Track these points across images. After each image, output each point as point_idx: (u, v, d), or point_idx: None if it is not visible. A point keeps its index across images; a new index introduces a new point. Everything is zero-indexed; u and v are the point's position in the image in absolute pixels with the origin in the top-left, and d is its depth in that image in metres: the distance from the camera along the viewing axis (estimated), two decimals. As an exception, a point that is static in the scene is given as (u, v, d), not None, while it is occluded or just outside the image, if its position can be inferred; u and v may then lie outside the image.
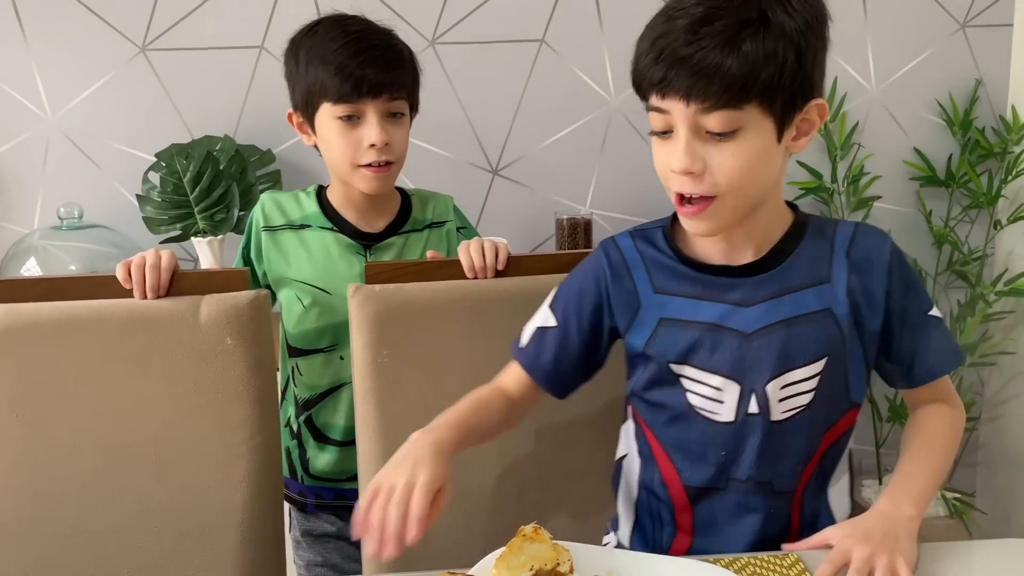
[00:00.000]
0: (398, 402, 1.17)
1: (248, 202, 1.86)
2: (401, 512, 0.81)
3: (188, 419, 1.13)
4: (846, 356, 0.94)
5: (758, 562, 0.90)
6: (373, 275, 1.20)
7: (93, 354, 1.12)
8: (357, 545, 1.23)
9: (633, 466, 1.03)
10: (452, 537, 1.14)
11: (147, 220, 1.88)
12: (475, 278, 1.20)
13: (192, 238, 1.87)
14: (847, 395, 0.96)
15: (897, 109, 2.12)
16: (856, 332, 0.93)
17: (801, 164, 2.08)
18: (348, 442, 1.32)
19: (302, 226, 1.32)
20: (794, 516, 0.98)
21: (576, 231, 1.99)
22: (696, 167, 0.84)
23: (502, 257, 1.21)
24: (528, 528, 0.87)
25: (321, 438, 1.36)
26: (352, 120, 1.24)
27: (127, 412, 1.13)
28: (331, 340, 1.31)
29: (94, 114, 1.97)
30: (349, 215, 1.32)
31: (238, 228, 1.86)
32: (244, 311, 1.13)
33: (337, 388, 1.33)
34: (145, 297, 1.13)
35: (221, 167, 1.86)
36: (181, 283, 1.15)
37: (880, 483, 2.15)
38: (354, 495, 1.09)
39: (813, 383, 0.92)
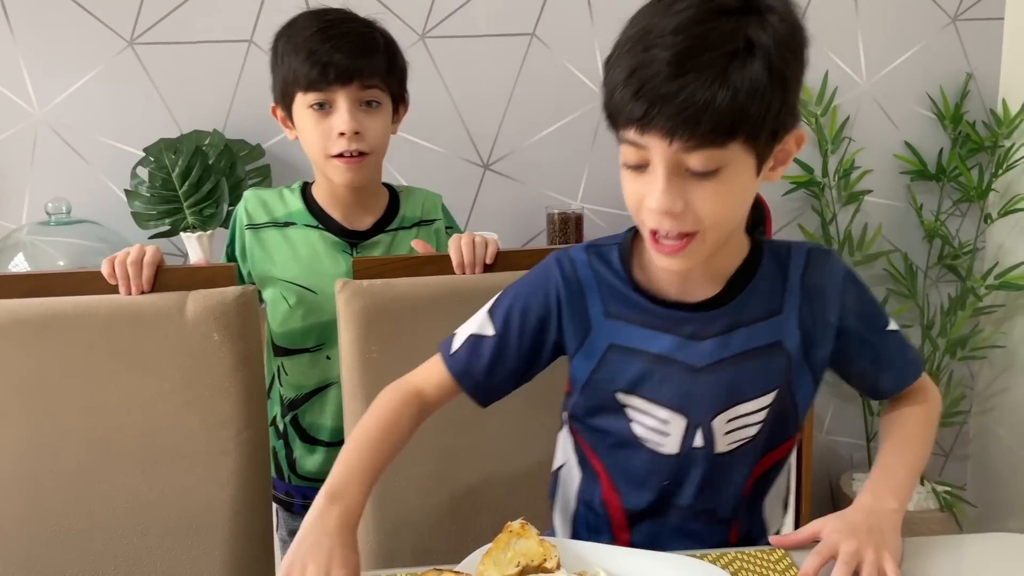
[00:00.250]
0: (386, 398, 1.16)
1: (238, 197, 1.84)
2: None
3: (175, 415, 1.13)
4: (795, 386, 0.92)
5: (745, 557, 0.89)
6: (361, 270, 1.19)
7: (79, 350, 1.11)
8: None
9: (571, 478, 1.00)
10: (439, 533, 1.14)
11: (136, 215, 1.87)
12: (464, 273, 1.20)
13: (181, 233, 1.86)
14: (794, 423, 0.95)
15: (888, 103, 2.12)
16: (805, 361, 0.92)
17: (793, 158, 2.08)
18: (337, 443, 1.31)
19: (286, 224, 1.30)
20: (732, 534, 0.97)
21: (567, 226, 1.98)
22: (677, 207, 0.79)
23: (491, 251, 1.20)
24: (515, 524, 0.87)
25: (308, 439, 1.35)
26: (324, 109, 1.22)
27: (113, 408, 1.12)
28: (317, 340, 1.30)
29: (82, 108, 1.96)
30: (335, 212, 1.30)
31: (227, 223, 1.84)
32: (231, 307, 1.13)
33: (323, 388, 1.32)
34: (131, 293, 1.12)
35: (210, 162, 1.85)
36: (167, 279, 1.14)
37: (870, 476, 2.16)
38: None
39: (761, 415, 0.91)
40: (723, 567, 0.87)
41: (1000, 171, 2.03)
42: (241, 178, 1.89)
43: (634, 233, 0.93)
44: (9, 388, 1.10)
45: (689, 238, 0.81)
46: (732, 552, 0.91)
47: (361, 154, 1.23)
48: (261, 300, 1.30)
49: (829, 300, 0.92)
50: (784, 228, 2.14)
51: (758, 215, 1.91)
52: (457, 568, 0.84)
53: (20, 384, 1.11)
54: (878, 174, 2.12)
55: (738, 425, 0.91)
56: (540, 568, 0.83)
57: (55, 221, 1.84)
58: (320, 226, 1.30)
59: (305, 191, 1.33)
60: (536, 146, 2.07)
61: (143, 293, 1.12)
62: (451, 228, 1.39)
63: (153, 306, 1.12)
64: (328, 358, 1.30)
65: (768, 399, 0.91)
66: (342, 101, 1.21)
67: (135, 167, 1.91)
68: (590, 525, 1.00)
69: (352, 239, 1.30)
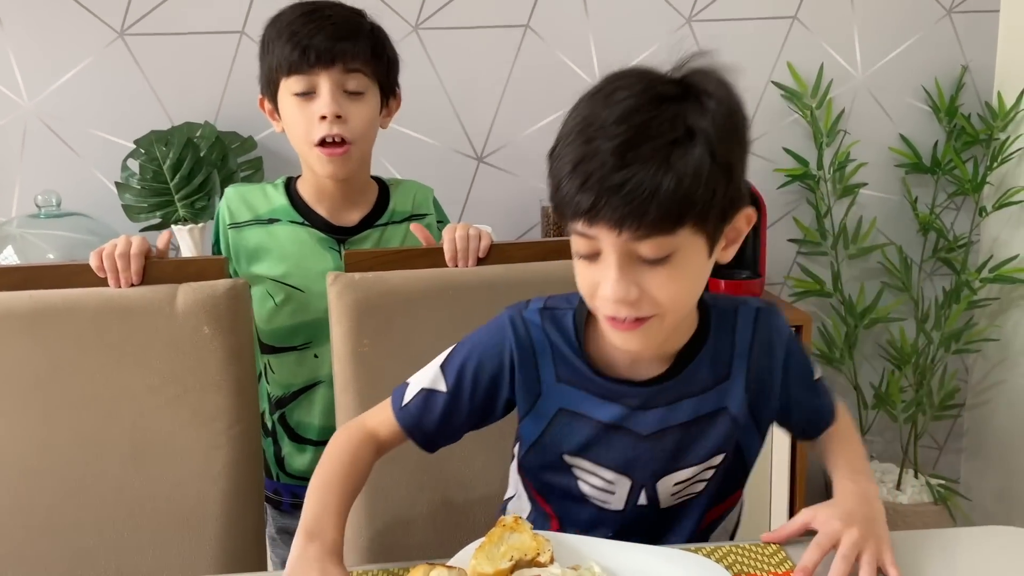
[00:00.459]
0: (378, 391, 1.14)
1: (229, 190, 1.83)
2: None
3: (165, 409, 1.12)
4: (743, 446, 0.95)
5: (739, 550, 0.89)
6: (353, 263, 1.18)
7: (68, 344, 1.10)
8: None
9: (521, 511, 1.02)
10: (431, 528, 1.14)
11: (127, 208, 1.86)
12: (456, 266, 1.19)
13: (172, 226, 1.85)
14: (743, 476, 0.98)
15: (883, 95, 2.11)
16: (752, 420, 0.94)
17: (787, 151, 2.08)
18: (325, 442, 1.30)
19: (270, 220, 1.27)
20: None
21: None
22: (632, 295, 0.79)
23: (484, 245, 1.19)
24: (508, 518, 0.86)
25: (297, 438, 1.33)
26: (307, 96, 1.19)
27: (103, 402, 1.11)
28: (305, 338, 1.28)
29: (72, 100, 1.94)
30: (320, 208, 1.27)
31: (219, 216, 1.83)
32: (221, 299, 1.12)
33: (311, 387, 1.31)
34: (120, 286, 1.11)
35: (202, 154, 1.84)
36: (157, 271, 1.13)
37: (865, 470, 2.16)
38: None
39: (708, 474, 0.94)
40: (717, 561, 0.87)
41: (995, 164, 2.03)
42: (233, 170, 1.88)
43: None
44: (-3, 382, 1.09)
45: (647, 318, 0.82)
46: (727, 546, 0.90)
47: (344, 142, 1.20)
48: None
49: (775, 359, 0.94)
50: (779, 221, 2.13)
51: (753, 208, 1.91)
52: (449, 563, 0.83)
53: (8, 378, 1.09)
54: (873, 167, 2.12)
55: (684, 487, 0.94)
56: (533, 562, 0.82)
57: (45, 214, 1.82)
58: (305, 223, 1.27)
59: (289, 187, 1.29)
60: (530, 139, 2.06)
61: (133, 286, 1.11)
62: (442, 223, 1.36)
63: (143, 299, 1.11)
64: (316, 356, 1.28)
65: (715, 461, 0.93)
66: (324, 84, 1.18)
67: (126, 159, 1.89)
68: None
69: (339, 235, 1.27)
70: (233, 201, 1.28)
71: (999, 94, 2.08)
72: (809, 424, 1.00)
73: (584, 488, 0.95)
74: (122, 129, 1.94)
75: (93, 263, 1.11)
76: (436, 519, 1.18)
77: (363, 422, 0.97)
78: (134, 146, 1.87)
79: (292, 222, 1.27)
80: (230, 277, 1.15)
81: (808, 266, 2.15)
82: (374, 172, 1.34)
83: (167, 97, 1.96)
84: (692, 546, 0.90)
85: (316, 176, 1.25)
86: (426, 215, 1.34)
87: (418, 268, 1.19)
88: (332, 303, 1.16)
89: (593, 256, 0.81)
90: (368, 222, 1.29)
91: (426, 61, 1.99)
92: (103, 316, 1.10)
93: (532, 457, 0.96)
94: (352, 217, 1.29)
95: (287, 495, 1.37)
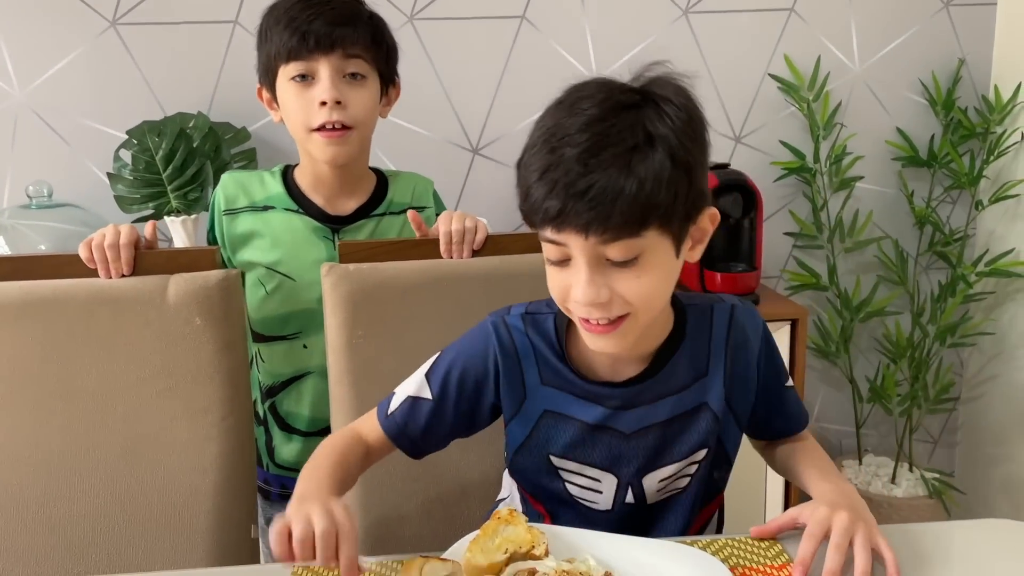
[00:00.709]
0: (373, 383, 1.15)
1: (223, 181, 1.82)
2: (329, 529, 0.78)
3: (156, 401, 1.11)
4: (724, 439, 0.97)
5: (735, 543, 0.89)
6: (347, 254, 1.17)
7: (58, 335, 1.09)
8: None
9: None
10: (426, 521, 1.13)
11: (119, 199, 1.84)
12: (451, 257, 1.18)
13: (165, 218, 1.84)
14: (727, 470, 1.00)
15: (880, 88, 2.11)
16: (731, 413, 0.96)
17: (784, 144, 2.07)
18: (314, 433, 1.29)
19: (265, 208, 1.26)
20: None
21: (557, 211, 1.97)
22: (602, 297, 0.82)
23: (479, 238, 1.19)
24: (503, 511, 0.86)
25: (286, 427, 1.33)
26: (306, 80, 1.18)
27: (93, 394, 1.10)
28: (295, 328, 1.28)
29: (63, 90, 1.92)
30: (316, 196, 1.27)
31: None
32: (213, 290, 1.11)
33: (300, 377, 1.30)
34: (110, 276, 1.10)
35: (195, 145, 1.82)
36: (148, 262, 1.12)
37: (860, 463, 2.16)
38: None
39: (692, 469, 0.96)
40: (713, 553, 0.86)
41: (992, 157, 2.02)
42: (226, 161, 1.86)
43: None
44: (-13, 373, 1.08)
45: (621, 318, 0.84)
46: (723, 539, 0.90)
47: (344, 127, 1.19)
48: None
49: (750, 358, 0.96)
50: (775, 214, 2.12)
51: (748, 201, 1.90)
52: (444, 555, 0.83)
53: (-2, 369, 1.08)
54: (869, 160, 2.11)
55: (668, 482, 0.96)
56: (528, 555, 0.82)
57: (36, 204, 1.81)
58: (300, 211, 1.26)
59: (286, 174, 1.29)
60: (526, 130, 2.00)
61: (123, 276, 1.10)
62: None
63: (134, 290, 1.10)
64: (305, 347, 1.28)
65: (698, 456, 0.95)
66: (324, 70, 1.17)
67: (118, 150, 1.88)
68: None
69: (334, 224, 1.26)
70: (229, 187, 1.28)
71: (996, 87, 2.07)
72: (767, 427, 1.02)
73: (572, 490, 0.96)
74: (114, 119, 1.93)
75: (83, 254, 1.10)
76: (431, 511, 1.17)
77: (354, 427, 0.99)
78: (126, 136, 1.85)
79: (287, 210, 1.26)
80: (222, 267, 1.14)
81: (804, 259, 2.14)
82: (370, 164, 1.33)
83: (160, 87, 1.94)
84: (687, 539, 0.89)
85: (314, 164, 1.24)
86: (425, 207, 1.33)
87: (412, 259, 1.18)
88: (326, 294, 1.15)
89: (564, 262, 0.83)
90: (364, 212, 1.28)
91: (421, 52, 1.98)
92: (93, 307, 1.09)
93: (520, 459, 0.97)
94: (348, 206, 1.28)
95: (276, 485, 1.36)
